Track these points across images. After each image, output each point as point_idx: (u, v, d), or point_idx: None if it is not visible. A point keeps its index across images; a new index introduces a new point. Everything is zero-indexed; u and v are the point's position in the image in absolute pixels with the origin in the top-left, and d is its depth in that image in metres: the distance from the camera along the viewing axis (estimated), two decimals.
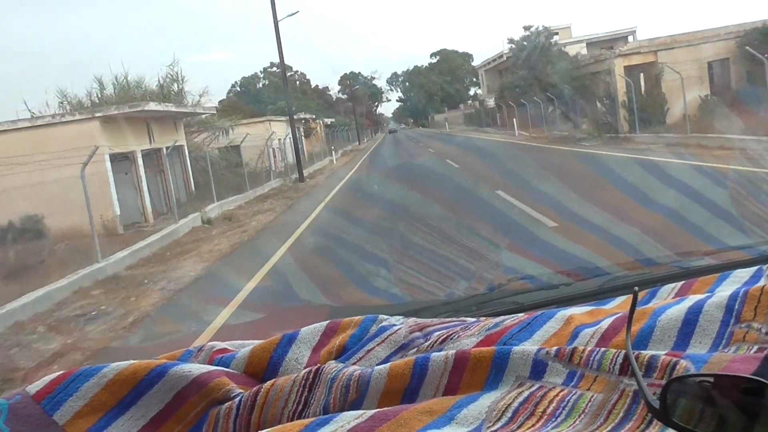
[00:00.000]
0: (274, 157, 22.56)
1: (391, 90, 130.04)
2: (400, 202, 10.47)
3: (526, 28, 39.72)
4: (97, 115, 13.61)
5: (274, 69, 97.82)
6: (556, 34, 40.17)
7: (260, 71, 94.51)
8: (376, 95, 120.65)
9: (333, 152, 33.70)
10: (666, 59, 18.88)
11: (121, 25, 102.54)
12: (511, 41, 40.39)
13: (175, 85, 21.53)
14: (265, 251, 8.26)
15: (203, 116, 23.34)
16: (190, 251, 9.44)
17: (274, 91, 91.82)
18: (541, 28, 39.52)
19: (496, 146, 25.04)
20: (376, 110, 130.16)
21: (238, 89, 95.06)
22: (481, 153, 21.38)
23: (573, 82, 33.48)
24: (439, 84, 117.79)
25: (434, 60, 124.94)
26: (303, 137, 35.01)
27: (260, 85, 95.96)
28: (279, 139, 27.13)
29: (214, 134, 21.88)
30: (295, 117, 34.01)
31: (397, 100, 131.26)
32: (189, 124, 21.24)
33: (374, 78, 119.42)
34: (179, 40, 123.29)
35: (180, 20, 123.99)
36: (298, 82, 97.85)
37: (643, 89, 19.34)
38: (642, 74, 19.32)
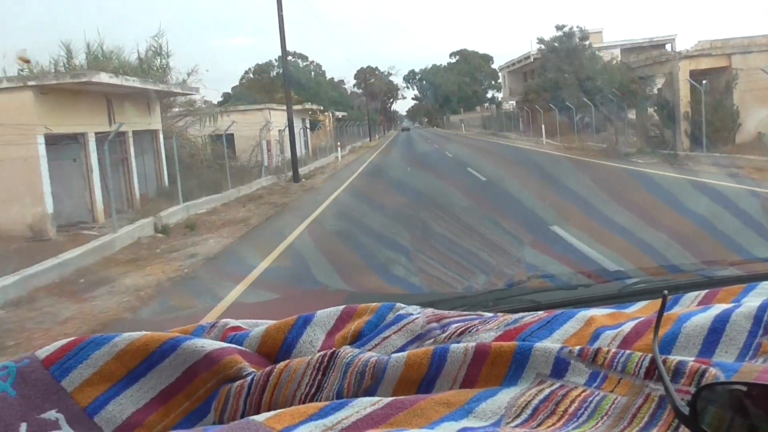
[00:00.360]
0: (269, 150, 19.47)
1: (408, 88, 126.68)
2: (408, 229, 7.39)
3: (559, 28, 36.39)
4: (31, 84, 10.57)
5: (290, 57, 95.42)
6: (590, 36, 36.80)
7: (275, 59, 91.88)
8: (392, 91, 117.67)
9: (339, 148, 30.53)
10: (741, 65, 15.62)
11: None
12: (540, 41, 37.12)
13: (159, 60, 18.49)
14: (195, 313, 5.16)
15: (193, 98, 20.38)
16: (100, 285, 6.40)
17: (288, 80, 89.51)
18: (575, 29, 36.23)
19: (526, 156, 21.83)
20: (390, 107, 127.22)
21: (252, 76, 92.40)
22: (510, 163, 18.22)
23: (617, 86, 30.34)
24: (457, 84, 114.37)
25: (453, 60, 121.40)
26: (308, 130, 31.97)
27: (274, 73, 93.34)
28: (279, 131, 24.09)
29: (198, 119, 18.86)
30: (301, 107, 31.03)
31: (412, 98, 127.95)
32: (171, 106, 18.23)
33: (391, 74, 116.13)
34: (200, 24, 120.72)
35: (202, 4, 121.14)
36: (313, 73, 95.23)
37: (703, 99, 16.06)
38: (706, 81, 16.03)
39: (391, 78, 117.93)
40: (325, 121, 39.32)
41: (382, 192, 13.89)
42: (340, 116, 51.71)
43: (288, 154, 25.86)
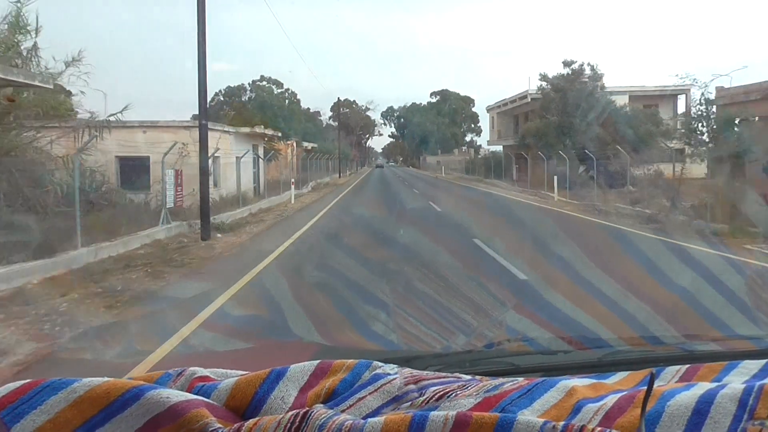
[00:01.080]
0: (178, 184, 13.12)
1: (385, 124, 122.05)
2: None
3: (567, 64, 31.35)
4: None
5: (263, 82, 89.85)
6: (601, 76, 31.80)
7: (249, 83, 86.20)
8: (369, 127, 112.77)
9: (293, 185, 24.30)
10: None
11: None
12: (544, 78, 32.02)
13: (23, 37, 12.18)
14: None
15: (77, 103, 14.07)
16: None
17: (259, 106, 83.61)
18: (585, 66, 31.19)
19: (551, 219, 15.50)
20: (365, 143, 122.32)
21: (222, 98, 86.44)
22: (540, 233, 12.17)
23: (642, 136, 25.02)
24: (436, 125, 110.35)
25: (434, 99, 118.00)
26: (261, 159, 25.79)
27: (246, 97, 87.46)
28: (215, 157, 17.81)
29: (74, 132, 12.52)
30: (250, 130, 24.82)
31: (389, 136, 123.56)
32: (26, 108, 11.80)
33: (369, 109, 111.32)
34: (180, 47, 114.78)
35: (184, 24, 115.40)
36: (287, 102, 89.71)
37: None
38: None
39: (368, 113, 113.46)
40: (286, 151, 33.30)
41: (342, 272, 7.65)
42: (309, 147, 45.76)
43: (226, 188, 19.73)
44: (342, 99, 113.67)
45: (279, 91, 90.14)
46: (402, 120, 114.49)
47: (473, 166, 46.69)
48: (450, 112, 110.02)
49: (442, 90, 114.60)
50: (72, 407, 0.70)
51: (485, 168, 40.86)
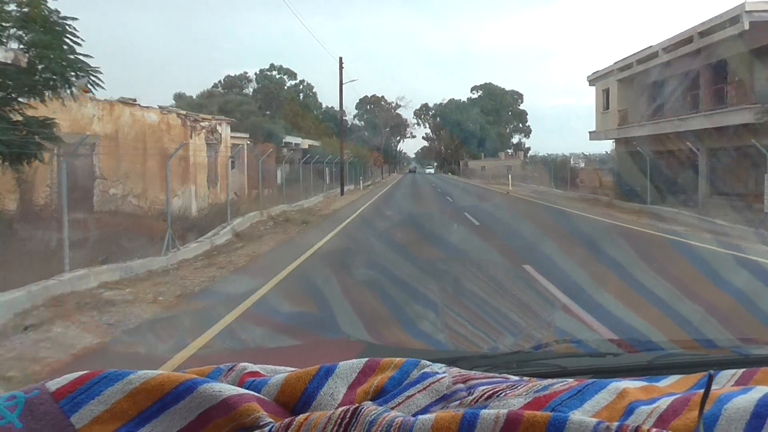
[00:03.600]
0: None
1: (418, 124, 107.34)
2: None
3: None
4: None
5: (273, 72, 76.42)
6: None
7: (257, 72, 72.81)
8: (400, 127, 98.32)
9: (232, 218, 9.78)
10: None
11: None
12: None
13: None
14: None
15: None
16: None
17: (264, 99, 70.11)
18: None
19: None
20: (396, 146, 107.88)
21: (221, 89, 73.14)
22: None
23: None
24: (479, 124, 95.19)
25: (475, 95, 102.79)
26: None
27: (248, 89, 74.16)
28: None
29: None
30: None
31: (423, 138, 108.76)
32: None
33: (400, 106, 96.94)
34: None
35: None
36: (301, 95, 76.14)
37: None
38: None
39: (399, 111, 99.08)
40: (269, 152, 19.31)
41: None
42: (305, 146, 31.53)
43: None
44: (369, 95, 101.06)
45: (292, 83, 76.98)
46: (438, 119, 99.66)
47: (562, 175, 30.13)
48: (495, 110, 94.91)
49: (485, 84, 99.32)
50: (128, 398, 0.72)
51: (619, 179, 22.87)
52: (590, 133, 27.24)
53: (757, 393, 0.73)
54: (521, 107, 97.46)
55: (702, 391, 0.72)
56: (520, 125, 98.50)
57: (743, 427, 0.69)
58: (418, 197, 28.12)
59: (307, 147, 31.52)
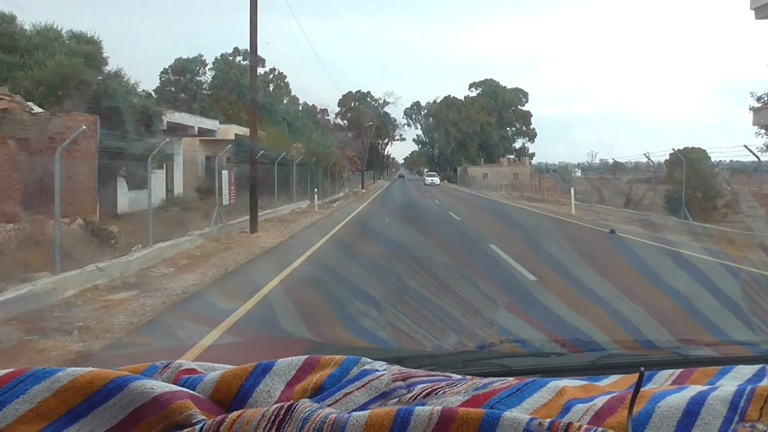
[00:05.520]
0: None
1: (409, 125, 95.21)
2: None
3: None
4: None
5: (237, 57, 64.01)
6: None
7: (218, 57, 60.19)
8: (387, 127, 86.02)
9: None
10: None
11: None
12: None
13: None
14: None
15: None
16: None
17: (220, 88, 57.87)
18: None
19: None
20: (384, 148, 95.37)
21: (170, 77, 60.51)
22: None
23: None
24: (480, 125, 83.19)
25: (474, 93, 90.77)
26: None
27: (204, 76, 61.61)
28: None
29: None
30: None
31: (414, 140, 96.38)
32: None
33: (388, 103, 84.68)
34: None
35: None
36: (271, 87, 63.78)
37: None
38: None
39: (387, 109, 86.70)
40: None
41: None
42: (233, 136, 19.16)
43: None
44: (353, 91, 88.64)
45: (261, 71, 64.52)
46: (432, 119, 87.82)
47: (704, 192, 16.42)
48: (496, 109, 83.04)
49: (485, 80, 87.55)
50: (55, 396, 0.70)
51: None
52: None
53: (690, 392, 0.75)
54: (524, 108, 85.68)
55: (640, 390, 0.73)
56: (524, 128, 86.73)
57: (674, 424, 0.71)
58: (413, 211, 17.79)
59: (233, 138, 19.37)
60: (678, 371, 0.94)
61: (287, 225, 15.47)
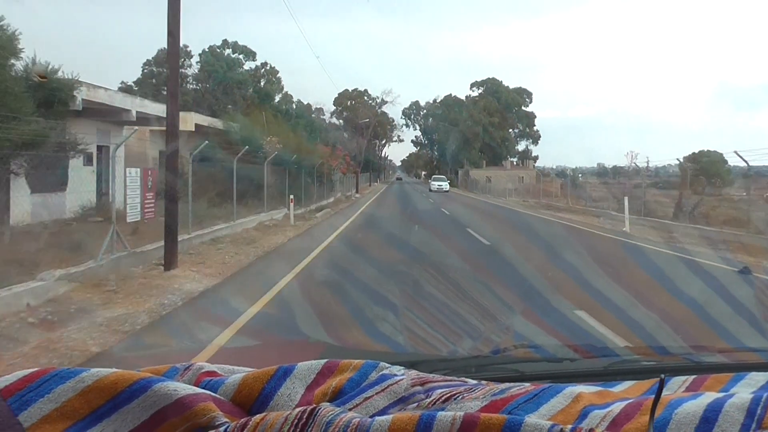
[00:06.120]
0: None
1: (407, 126, 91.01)
2: None
3: None
4: None
5: (228, 51, 60.08)
6: None
7: (205, 48, 56.18)
8: (384, 127, 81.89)
9: None
10: None
11: None
12: None
13: None
14: None
15: None
16: None
17: (206, 80, 54.03)
18: None
19: None
20: (380, 150, 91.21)
21: (153, 69, 56.54)
22: None
23: None
24: (483, 125, 79.16)
25: (476, 93, 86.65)
26: None
27: (191, 68, 57.59)
28: None
29: None
30: None
31: (412, 141, 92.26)
32: None
33: (386, 102, 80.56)
34: None
35: None
36: (262, 82, 59.80)
37: None
38: None
39: (385, 108, 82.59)
40: None
41: None
42: (193, 127, 15.12)
43: None
44: (350, 90, 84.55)
45: (253, 65, 60.68)
46: (431, 120, 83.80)
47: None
48: (499, 110, 79.13)
49: (487, 79, 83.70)
50: (79, 396, 0.70)
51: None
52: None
53: (706, 398, 0.75)
54: (529, 108, 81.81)
55: (653, 396, 0.73)
56: (527, 130, 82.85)
57: (692, 431, 0.70)
58: (453, 312, 11.40)
59: (192, 128, 15.42)
60: (692, 378, 0.94)
61: (238, 250, 10.90)
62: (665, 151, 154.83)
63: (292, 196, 14.54)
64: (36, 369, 0.72)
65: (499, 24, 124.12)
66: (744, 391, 0.83)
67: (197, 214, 11.82)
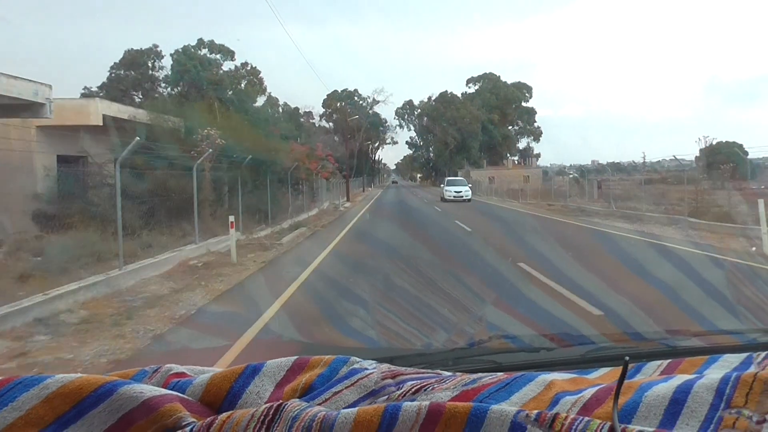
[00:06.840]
0: None
1: (401, 126, 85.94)
2: None
3: None
4: None
5: (204, 51, 55.28)
6: None
7: (179, 49, 51.41)
8: (377, 128, 76.92)
9: None
10: None
11: None
12: None
13: None
14: None
15: None
16: None
17: (180, 83, 49.25)
18: None
19: None
20: (374, 152, 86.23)
21: (121, 72, 51.82)
22: None
23: None
24: (482, 123, 74.25)
25: (473, 89, 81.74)
26: None
27: (162, 70, 52.78)
28: None
29: None
30: None
31: (407, 143, 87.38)
32: None
33: (378, 101, 75.37)
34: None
35: None
36: (243, 83, 55.04)
37: None
38: None
39: (376, 108, 77.75)
40: None
41: None
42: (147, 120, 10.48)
43: None
44: (339, 90, 79.75)
45: (233, 65, 55.96)
46: (426, 119, 79.02)
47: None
48: (498, 106, 74.39)
49: (484, 74, 78.99)
50: (44, 403, 0.70)
51: None
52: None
53: (676, 380, 0.75)
54: (529, 104, 77.28)
55: (624, 380, 0.73)
56: (527, 126, 78.30)
57: (661, 413, 0.71)
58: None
59: (100, 122, 10.80)
60: (666, 362, 0.93)
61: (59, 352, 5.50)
62: (655, 147, 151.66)
63: (232, 218, 9.32)
64: (0, 378, 0.71)
65: (494, 23, 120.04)
66: (716, 372, 0.82)
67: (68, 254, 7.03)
